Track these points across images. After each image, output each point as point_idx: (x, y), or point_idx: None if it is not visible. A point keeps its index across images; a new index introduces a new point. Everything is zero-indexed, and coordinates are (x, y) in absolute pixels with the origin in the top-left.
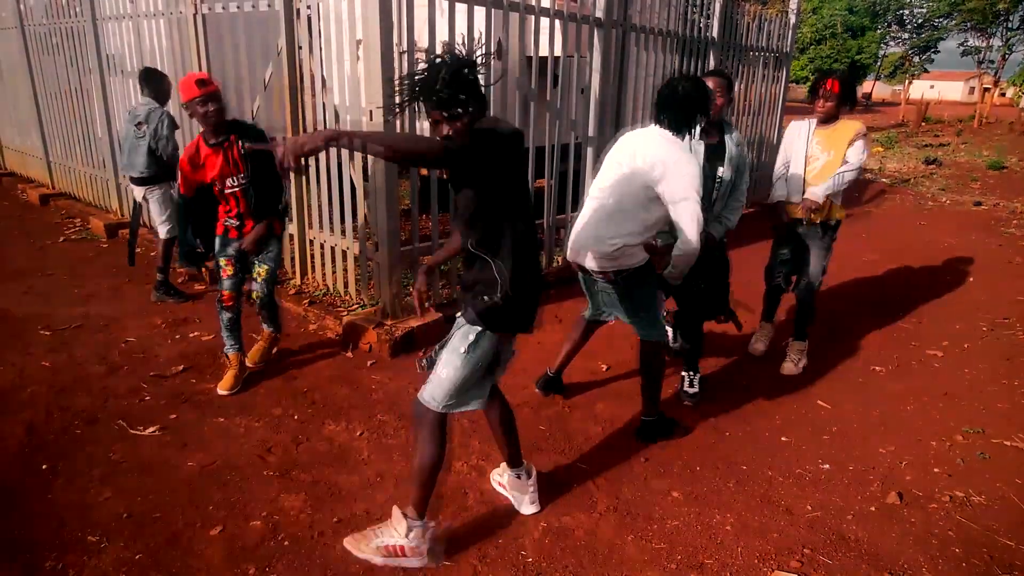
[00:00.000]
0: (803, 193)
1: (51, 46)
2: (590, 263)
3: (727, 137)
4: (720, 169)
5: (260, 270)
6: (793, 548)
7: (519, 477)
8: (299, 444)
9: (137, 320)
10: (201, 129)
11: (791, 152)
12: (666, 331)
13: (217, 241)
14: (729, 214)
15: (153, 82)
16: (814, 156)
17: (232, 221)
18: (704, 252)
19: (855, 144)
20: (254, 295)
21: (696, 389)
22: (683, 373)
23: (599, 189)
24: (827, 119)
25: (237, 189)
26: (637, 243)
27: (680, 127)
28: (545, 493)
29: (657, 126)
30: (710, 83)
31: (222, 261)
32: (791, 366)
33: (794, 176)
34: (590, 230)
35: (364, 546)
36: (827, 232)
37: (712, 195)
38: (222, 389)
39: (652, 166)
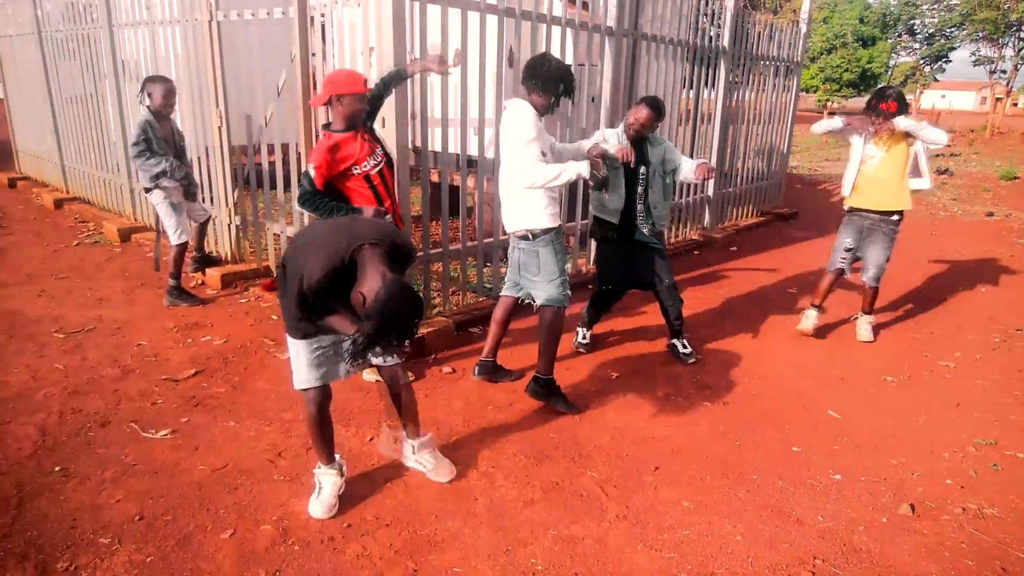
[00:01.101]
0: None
1: (67, 52)
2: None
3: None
4: (642, 168)
5: None
6: (804, 559)
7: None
8: (310, 449)
9: (149, 324)
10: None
11: (851, 157)
12: (567, 295)
13: None
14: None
15: (143, 88)
16: (870, 155)
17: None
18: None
19: (922, 126)
20: None
21: (689, 349)
22: (673, 341)
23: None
24: None
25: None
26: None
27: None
28: (555, 501)
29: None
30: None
31: None
32: (866, 334)
33: (849, 176)
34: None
35: None
36: (890, 223)
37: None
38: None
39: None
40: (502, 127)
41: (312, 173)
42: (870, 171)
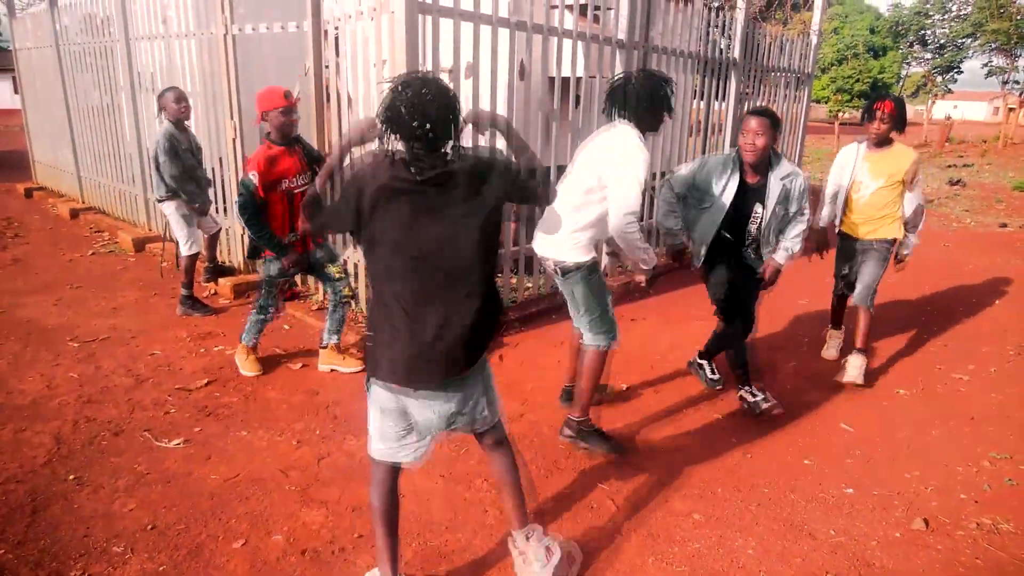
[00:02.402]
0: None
1: (85, 64)
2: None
3: (771, 175)
4: (758, 207)
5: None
6: (816, 573)
7: (527, 539)
8: (321, 459)
9: (163, 333)
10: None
11: (841, 176)
12: (611, 335)
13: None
14: (787, 241)
15: (158, 107)
16: (862, 183)
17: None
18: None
19: (918, 179)
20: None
21: (758, 396)
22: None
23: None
24: (880, 142)
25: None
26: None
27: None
28: (565, 513)
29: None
30: (752, 122)
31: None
32: (855, 374)
33: (840, 200)
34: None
35: None
36: (884, 243)
37: (747, 230)
38: (251, 371)
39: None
40: (604, 150)
41: (254, 181)
42: (862, 201)
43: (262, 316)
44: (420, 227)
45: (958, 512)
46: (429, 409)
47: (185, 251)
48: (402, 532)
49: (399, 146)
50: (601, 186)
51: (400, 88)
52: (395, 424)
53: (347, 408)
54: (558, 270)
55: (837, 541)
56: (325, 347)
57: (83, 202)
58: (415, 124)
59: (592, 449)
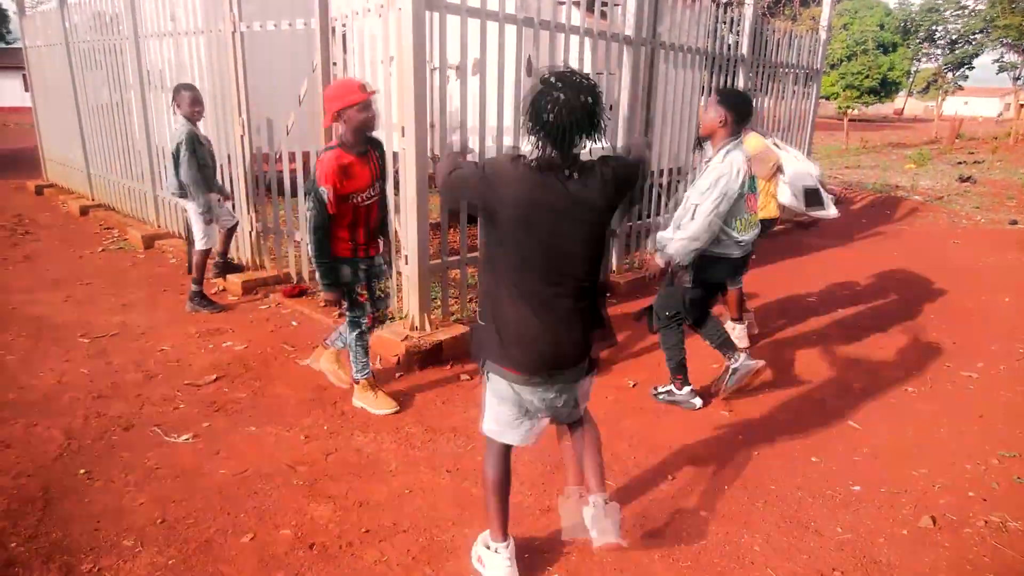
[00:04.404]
0: None
1: (94, 62)
2: None
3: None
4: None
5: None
6: (823, 570)
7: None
8: (328, 455)
9: (172, 329)
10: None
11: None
12: None
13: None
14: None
15: (175, 97)
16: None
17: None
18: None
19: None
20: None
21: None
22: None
23: None
24: None
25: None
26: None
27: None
28: None
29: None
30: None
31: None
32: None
33: None
34: None
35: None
36: None
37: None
38: (388, 408)
39: None
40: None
41: (326, 195)
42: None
43: (357, 331)
44: (555, 222)
45: (966, 510)
46: (540, 396)
47: (200, 245)
48: (409, 527)
49: (542, 143)
50: None
51: (555, 91)
52: (510, 410)
53: (354, 404)
54: None
55: (844, 538)
56: (328, 347)
57: (93, 199)
58: (568, 130)
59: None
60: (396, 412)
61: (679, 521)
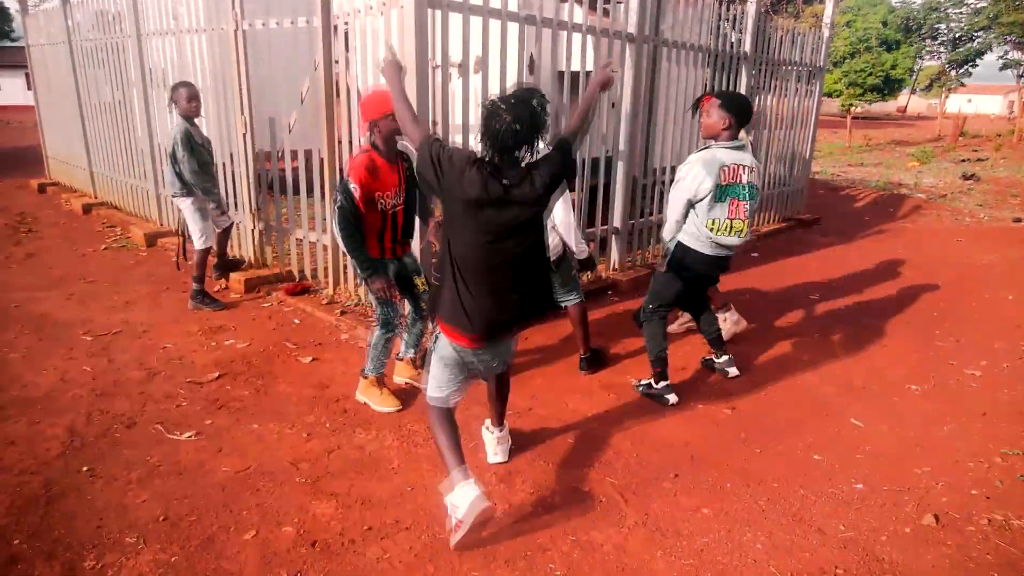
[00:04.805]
0: None
1: (97, 60)
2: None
3: None
4: None
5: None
6: (825, 568)
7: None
8: (331, 452)
9: (174, 327)
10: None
11: None
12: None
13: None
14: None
15: (172, 95)
16: None
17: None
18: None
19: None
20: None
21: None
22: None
23: None
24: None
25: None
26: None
27: None
28: (574, 506)
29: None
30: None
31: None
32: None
33: None
34: None
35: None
36: None
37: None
38: (392, 407)
39: None
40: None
41: (355, 191)
42: None
43: (388, 333)
44: (494, 217)
45: (969, 508)
46: (479, 358)
47: (199, 244)
48: (411, 524)
49: (489, 152)
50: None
51: (501, 112)
52: (451, 373)
53: (356, 401)
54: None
55: (846, 536)
56: (402, 359)
57: (96, 197)
58: (510, 144)
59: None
60: (399, 410)
61: (681, 519)
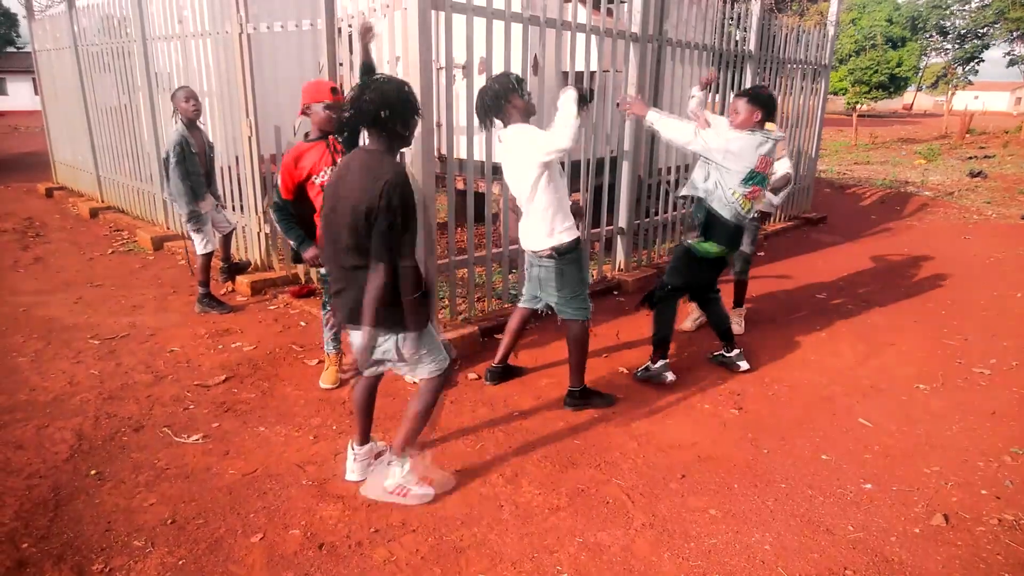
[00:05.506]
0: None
1: (103, 65)
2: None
3: None
4: None
5: None
6: (834, 569)
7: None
8: (337, 454)
9: (181, 330)
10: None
11: None
12: (590, 307)
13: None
14: None
15: (172, 101)
16: None
17: None
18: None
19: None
20: None
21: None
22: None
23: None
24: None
25: None
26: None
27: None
28: (581, 508)
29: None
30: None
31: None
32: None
33: None
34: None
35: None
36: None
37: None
38: (326, 383)
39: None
40: (520, 145)
41: (278, 184)
42: None
43: (327, 311)
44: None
45: (978, 508)
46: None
47: (200, 250)
48: (418, 527)
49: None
50: (537, 169)
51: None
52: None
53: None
54: (554, 254)
55: (855, 537)
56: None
57: (102, 201)
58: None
59: (596, 407)
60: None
61: (688, 520)
